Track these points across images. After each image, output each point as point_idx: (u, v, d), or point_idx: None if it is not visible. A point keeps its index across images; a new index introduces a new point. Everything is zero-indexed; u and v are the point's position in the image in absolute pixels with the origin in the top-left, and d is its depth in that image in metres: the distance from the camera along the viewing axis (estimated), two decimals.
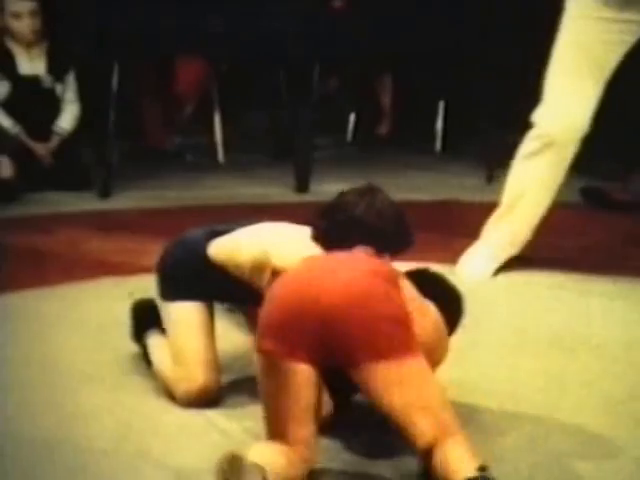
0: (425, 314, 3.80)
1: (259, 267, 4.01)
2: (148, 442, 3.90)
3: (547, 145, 5.27)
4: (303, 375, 3.57)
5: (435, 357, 3.84)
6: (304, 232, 4.05)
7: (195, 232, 4.22)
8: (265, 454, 3.51)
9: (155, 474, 3.72)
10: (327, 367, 3.59)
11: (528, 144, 5.38)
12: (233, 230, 4.17)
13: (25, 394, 4.19)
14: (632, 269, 5.49)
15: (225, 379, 4.15)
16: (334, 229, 4.00)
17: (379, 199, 4.12)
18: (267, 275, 3.98)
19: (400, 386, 3.54)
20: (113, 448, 3.84)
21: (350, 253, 3.84)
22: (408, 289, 3.76)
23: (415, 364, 3.57)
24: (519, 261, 5.44)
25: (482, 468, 3.38)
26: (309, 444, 3.61)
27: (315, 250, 3.98)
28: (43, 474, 3.70)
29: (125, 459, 3.79)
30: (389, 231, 4.04)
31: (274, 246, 4.04)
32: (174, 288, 4.17)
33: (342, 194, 4.10)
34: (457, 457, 3.47)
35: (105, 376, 4.34)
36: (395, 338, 3.56)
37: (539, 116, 5.25)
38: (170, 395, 4.14)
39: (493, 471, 3.41)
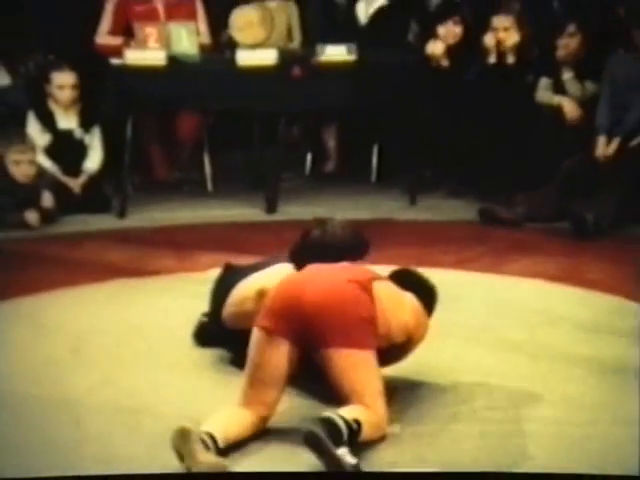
0: (402, 303, 3.77)
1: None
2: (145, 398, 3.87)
3: None
4: (284, 348, 3.62)
5: (418, 333, 3.83)
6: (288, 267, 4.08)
7: None
8: (218, 421, 3.57)
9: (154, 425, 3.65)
10: (304, 347, 3.61)
11: None
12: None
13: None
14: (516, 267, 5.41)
15: None
16: (311, 257, 3.95)
17: (334, 224, 4.12)
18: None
19: (357, 371, 3.56)
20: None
21: (334, 265, 3.84)
22: (388, 286, 3.77)
23: (371, 357, 3.60)
24: None
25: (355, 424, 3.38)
26: (271, 406, 3.63)
27: None
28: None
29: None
30: (352, 244, 4.07)
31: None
32: None
33: (305, 233, 4.09)
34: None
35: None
36: (357, 332, 3.59)
37: None
38: None
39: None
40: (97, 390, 3.94)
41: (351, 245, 4.07)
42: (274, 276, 3.97)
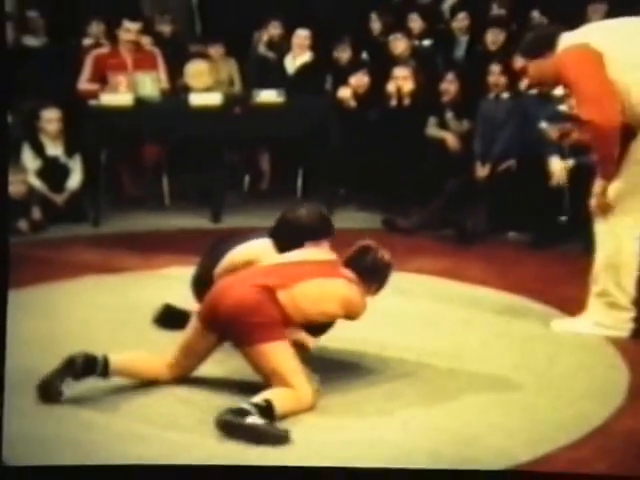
0: (323, 297, 3.64)
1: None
2: None
3: None
4: (211, 340, 3.65)
5: (350, 310, 3.70)
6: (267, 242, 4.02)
7: None
8: (127, 355, 3.73)
9: None
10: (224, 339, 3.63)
11: None
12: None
13: None
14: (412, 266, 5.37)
15: None
16: (283, 235, 3.97)
17: (303, 209, 4.07)
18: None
19: (270, 360, 3.49)
20: None
21: (249, 272, 3.76)
22: (307, 286, 3.62)
23: (279, 345, 3.51)
24: None
25: (264, 402, 3.36)
26: (186, 370, 3.68)
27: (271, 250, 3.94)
28: None
29: None
30: (316, 226, 3.97)
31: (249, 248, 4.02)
32: None
33: (280, 215, 4.09)
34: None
35: None
36: (262, 329, 3.50)
37: None
38: None
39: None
40: None
41: (315, 227, 3.97)
42: (258, 249, 3.96)
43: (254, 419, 3.28)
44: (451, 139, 6.76)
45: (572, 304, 4.56)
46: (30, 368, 3.73)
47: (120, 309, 4.64)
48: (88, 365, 3.58)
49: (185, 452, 3.22)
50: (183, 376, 3.68)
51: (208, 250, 4.30)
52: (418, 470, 3.09)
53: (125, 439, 3.30)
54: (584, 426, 3.39)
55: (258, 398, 3.38)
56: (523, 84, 4.47)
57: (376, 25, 7.86)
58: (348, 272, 3.74)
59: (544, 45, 4.24)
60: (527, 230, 6.11)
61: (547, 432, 3.36)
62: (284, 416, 3.39)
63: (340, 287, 3.69)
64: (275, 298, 3.55)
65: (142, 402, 3.61)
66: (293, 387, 3.47)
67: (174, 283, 5.09)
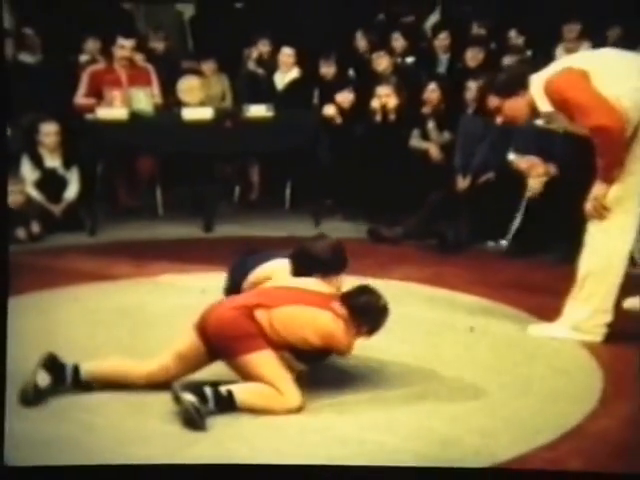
0: (301, 325, 3.62)
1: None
2: None
3: None
4: (202, 351, 3.66)
5: (334, 344, 3.67)
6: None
7: None
8: (101, 363, 3.74)
9: None
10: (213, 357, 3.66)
11: None
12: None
13: None
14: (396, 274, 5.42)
15: None
16: (297, 263, 3.89)
17: (320, 242, 3.94)
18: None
19: (253, 368, 3.54)
20: None
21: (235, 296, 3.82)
22: (286, 311, 3.63)
23: (260, 355, 3.55)
24: None
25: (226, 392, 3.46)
26: (170, 376, 3.63)
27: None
28: None
29: None
30: (328, 260, 3.86)
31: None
32: None
33: (301, 242, 3.98)
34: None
35: None
36: (240, 343, 3.56)
37: None
38: None
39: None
40: None
41: (325, 261, 3.87)
42: (275, 268, 3.96)
43: (193, 401, 3.38)
44: (434, 150, 6.81)
45: (547, 310, 4.57)
46: (30, 371, 3.73)
47: (115, 315, 4.63)
48: (57, 373, 3.64)
49: (178, 451, 3.24)
50: (165, 382, 3.64)
51: (237, 264, 4.24)
52: (403, 468, 3.12)
53: (126, 439, 3.32)
54: (560, 427, 3.42)
55: (224, 387, 3.48)
56: (498, 121, 4.52)
57: (362, 43, 7.93)
58: (339, 307, 3.70)
59: (517, 84, 4.30)
60: (505, 239, 6.15)
61: (524, 433, 3.39)
62: (251, 410, 3.48)
63: (323, 319, 3.66)
64: (252, 315, 3.60)
65: (141, 401, 3.62)
66: (281, 392, 3.52)
67: (167, 290, 5.14)
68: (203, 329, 3.64)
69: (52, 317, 4.63)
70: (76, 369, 3.66)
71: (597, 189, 4.27)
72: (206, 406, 3.42)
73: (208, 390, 3.46)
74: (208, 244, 6.38)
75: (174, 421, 3.42)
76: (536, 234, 5.98)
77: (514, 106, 4.33)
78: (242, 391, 3.50)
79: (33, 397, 3.57)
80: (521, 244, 6.00)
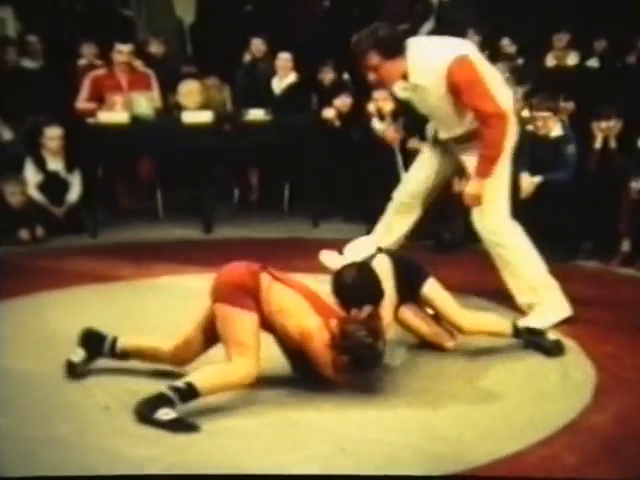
0: (292, 307, 3.56)
1: None
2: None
3: None
4: (211, 312, 3.64)
5: (307, 345, 3.55)
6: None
7: None
8: (136, 337, 3.85)
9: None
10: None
11: None
12: None
13: None
14: None
15: None
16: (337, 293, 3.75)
17: (356, 272, 3.78)
18: None
19: (227, 323, 3.51)
20: None
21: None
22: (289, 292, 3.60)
23: (242, 315, 3.50)
24: None
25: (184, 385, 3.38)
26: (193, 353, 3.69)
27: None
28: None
29: None
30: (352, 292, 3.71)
31: None
32: None
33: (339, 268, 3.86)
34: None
35: None
36: (234, 294, 3.52)
37: None
38: None
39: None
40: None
41: (346, 293, 3.72)
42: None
43: (163, 413, 3.31)
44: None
45: None
46: (29, 371, 3.77)
47: (115, 315, 4.59)
48: (98, 342, 3.78)
49: (178, 454, 3.21)
50: (188, 359, 3.68)
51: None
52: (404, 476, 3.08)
53: (126, 442, 3.27)
54: (554, 424, 3.41)
55: (180, 381, 3.40)
56: (369, 80, 4.47)
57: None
58: (333, 324, 3.57)
59: (399, 49, 4.29)
60: None
61: (519, 430, 3.37)
62: (213, 392, 3.44)
63: (311, 319, 3.56)
64: (257, 275, 3.58)
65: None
66: (229, 358, 3.48)
67: (167, 291, 5.13)
68: (214, 286, 3.62)
69: (54, 318, 4.61)
70: (114, 341, 3.78)
71: (472, 185, 4.40)
72: (175, 407, 3.35)
73: (168, 391, 3.36)
74: (207, 245, 6.39)
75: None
76: (529, 235, 5.98)
77: (391, 69, 4.31)
78: (200, 378, 3.42)
79: (69, 372, 3.73)
80: None
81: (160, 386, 3.43)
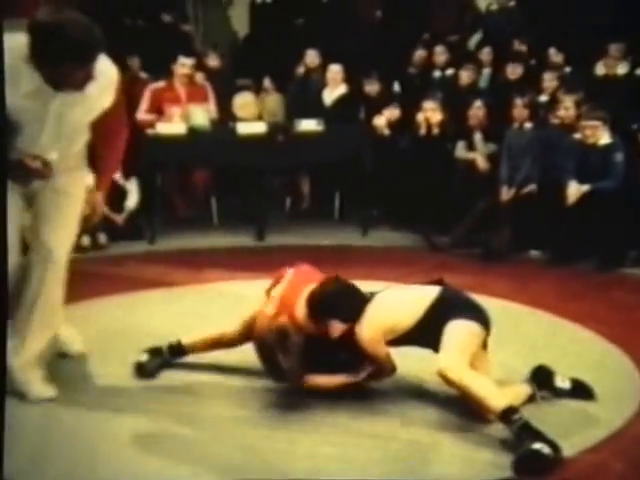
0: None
1: None
2: None
3: None
4: None
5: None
6: None
7: None
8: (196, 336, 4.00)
9: None
10: None
11: None
12: None
13: None
14: None
15: None
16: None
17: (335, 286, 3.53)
18: None
19: None
20: None
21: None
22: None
23: None
24: None
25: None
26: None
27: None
28: None
29: None
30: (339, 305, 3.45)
31: None
32: None
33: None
34: None
35: None
36: None
37: None
38: None
39: None
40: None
41: (321, 305, 3.47)
42: None
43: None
44: (480, 159, 6.72)
45: (585, 316, 4.55)
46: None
47: (171, 318, 4.61)
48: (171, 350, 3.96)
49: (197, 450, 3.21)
50: (249, 337, 3.73)
51: None
52: None
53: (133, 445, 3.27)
54: (601, 431, 3.34)
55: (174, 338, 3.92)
56: None
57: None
58: (282, 320, 3.47)
59: None
60: (546, 249, 6.08)
61: (566, 437, 3.29)
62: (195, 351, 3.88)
63: (263, 307, 3.61)
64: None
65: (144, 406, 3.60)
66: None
67: (220, 295, 5.13)
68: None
69: (114, 322, 4.64)
70: (177, 343, 3.95)
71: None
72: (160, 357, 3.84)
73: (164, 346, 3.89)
74: (260, 252, 6.39)
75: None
76: (576, 243, 5.89)
77: None
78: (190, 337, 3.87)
79: (139, 372, 3.85)
80: (561, 253, 5.92)
81: None
